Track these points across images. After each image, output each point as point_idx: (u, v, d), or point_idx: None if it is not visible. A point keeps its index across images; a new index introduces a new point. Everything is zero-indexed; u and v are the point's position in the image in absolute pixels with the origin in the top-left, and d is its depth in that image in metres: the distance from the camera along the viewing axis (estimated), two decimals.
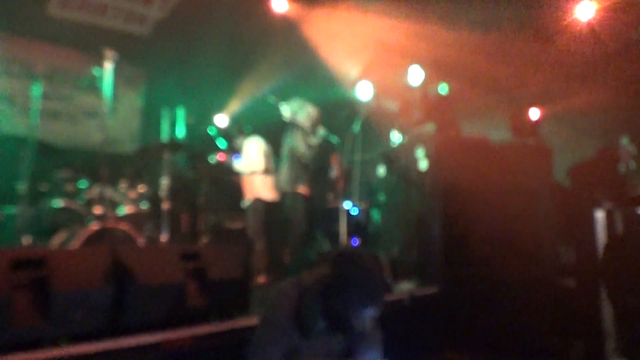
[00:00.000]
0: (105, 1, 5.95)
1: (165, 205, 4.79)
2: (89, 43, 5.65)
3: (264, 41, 6.47)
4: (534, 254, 4.63)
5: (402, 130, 5.98)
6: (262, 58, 6.54)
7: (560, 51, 6.14)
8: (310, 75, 6.54)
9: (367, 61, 6.54)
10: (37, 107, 4.61)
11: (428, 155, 5.19)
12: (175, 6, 6.21)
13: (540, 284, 4.54)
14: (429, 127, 5.48)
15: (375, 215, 6.54)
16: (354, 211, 6.27)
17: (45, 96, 5.04)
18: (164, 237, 4.70)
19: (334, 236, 5.75)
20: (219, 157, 5.78)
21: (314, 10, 6.13)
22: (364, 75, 6.55)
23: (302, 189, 5.16)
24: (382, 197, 6.36)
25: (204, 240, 5.51)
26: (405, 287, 4.64)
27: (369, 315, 2.05)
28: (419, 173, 5.26)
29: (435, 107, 5.61)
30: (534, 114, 6.96)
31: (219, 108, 6.53)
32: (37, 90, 4.69)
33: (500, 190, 4.63)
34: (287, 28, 6.20)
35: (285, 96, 5.37)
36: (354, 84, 6.49)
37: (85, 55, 5.85)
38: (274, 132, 5.50)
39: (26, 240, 4.21)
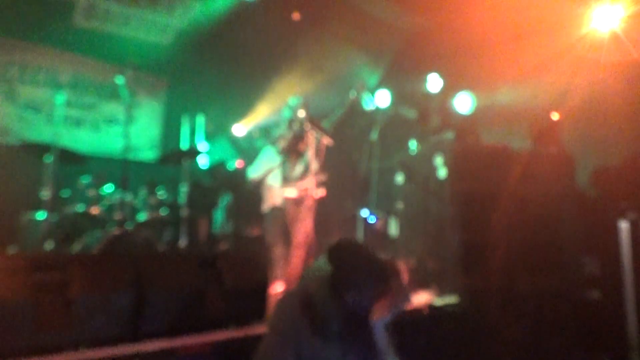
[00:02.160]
0: (129, 12, 6.07)
1: (184, 212, 4.83)
2: (112, 53, 5.79)
3: (284, 50, 6.51)
4: (556, 264, 4.53)
5: (421, 138, 5.93)
6: (283, 66, 6.58)
7: (579, 57, 6.04)
8: (328, 82, 6.55)
9: (386, 68, 6.52)
10: (61, 114, 4.71)
11: (447, 164, 5.13)
12: (196, 15, 6.29)
13: (564, 295, 4.43)
14: (448, 135, 5.42)
15: (393, 223, 6.48)
16: (372, 219, 6.23)
17: (68, 104, 5.16)
18: (182, 244, 4.73)
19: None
20: (237, 164, 5.81)
21: (332, 18, 6.15)
22: (382, 82, 6.53)
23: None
24: (400, 206, 6.30)
25: (223, 247, 5.53)
26: (423, 297, 4.58)
27: (383, 298, 2.01)
28: (438, 181, 5.20)
29: (455, 116, 5.56)
30: (555, 120, 6.83)
31: (238, 117, 6.58)
32: (61, 98, 4.80)
33: (521, 199, 4.55)
34: (307, 37, 6.23)
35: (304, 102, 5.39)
36: (372, 91, 6.48)
37: (108, 64, 5.97)
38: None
39: (48, 245, 4.28)
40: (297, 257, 4.57)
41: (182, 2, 6.21)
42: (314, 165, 4.69)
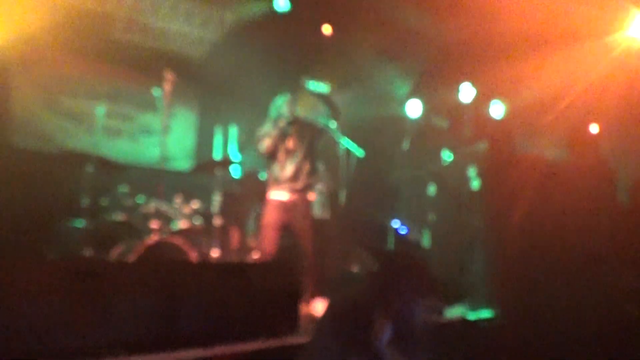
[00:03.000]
0: (166, 26, 6.24)
1: (217, 221, 4.89)
2: (150, 65, 5.95)
3: (315, 61, 6.55)
4: (596, 279, 4.36)
5: (453, 149, 5.85)
6: (314, 77, 6.61)
7: (617, 64, 5.86)
8: (361, 92, 6.55)
9: (417, 78, 6.48)
10: (100, 125, 4.86)
11: (480, 175, 5.04)
12: (230, 27, 6.41)
13: (604, 310, 4.26)
14: (481, 146, 5.33)
15: (425, 235, 6.40)
16: (403, 230, 6.17)
17: (107, 115, 5.33)
18: (215, 253, 4.79)
19: (380, 255, 5.66)
20: None
21: (363, 29, 6.16)
22: (414, 92, 6.49)
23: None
24: (432, 217, 6.22)
25: (254, 256, 5.56)
26: (457, 311, 4.49)
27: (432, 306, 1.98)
28: (471, 193, 5.12)
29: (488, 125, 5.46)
30: (594, 130, 6.63)
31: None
32: (101, 110, 4.96)
33: (558, 212, 4.42)
34: (338, 47, 6.26)
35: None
36: (403, 100, 6.45)
37: (146, 76, 6.14)
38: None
39: (87, 252, 4.41)
40: (310, 265, 4.31)
41: (217, 16, 6.35)
42: (306, 166, 4.31)
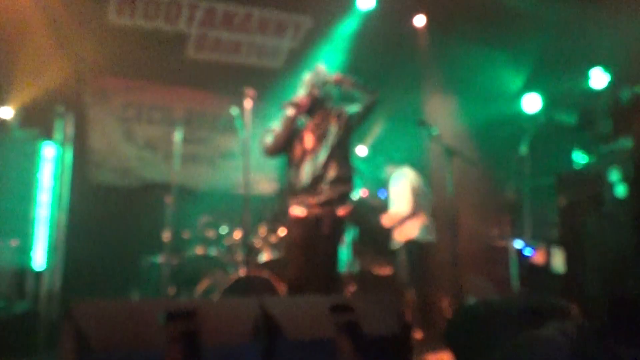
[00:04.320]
0: (238, 38, 6.46)
1: None
2: (225, 83, 6.17)
3: (402, 53, 6.43)
4: None
5: (587, 149, 5.41)
6: (402, 72, 6.49)
7: None
8: (462, 90, 6.32)
9: (534, 66, 6.15)
10: (178, 151, 5.09)
11: (627, 179, 4.60)
12: (307, 34, 6.49)
13: None
14: (624, 143, 4.88)
15: (557, 256, 5.95)
16: (528, 252, 5.81)
17: (184, 140, 5.57)
18: None
19: (502, 282, 5.34)
20: (361, 192, 5.76)
21: (462, 16, 5.96)
22: (530, 84, 6.16)
23: None
24: (563, 234, 5.78)
25: (349, 288, 5.46)
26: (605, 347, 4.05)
27: None
28: (616, 201, 4.68)
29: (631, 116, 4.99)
30: None
31: (359, 137, 6.59)
32: (178, 135, 5.19)
33: None
34: (435, 42, 6.12)
35: (434, 116, 5.23)
36: (517, 95, 6.15)
37: (223, 96, 6.37)
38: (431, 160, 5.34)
39: (171, 289, 4.55)
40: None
41: (293, 22, 6.46)
42: (332, 171, 3.47)
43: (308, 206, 3.46)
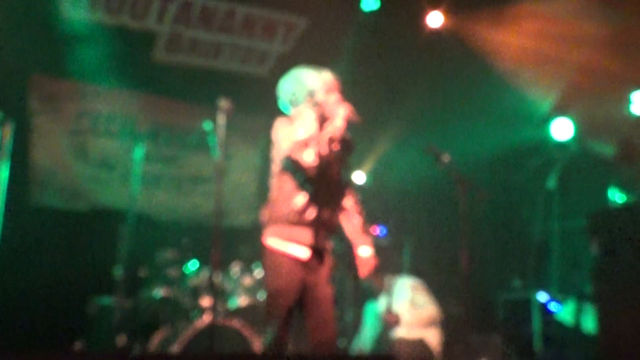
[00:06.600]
0: (219, 39, 6.53)
1: None
2: (199, 92, 6.21)
3: (411, 70, 6.54)
4: None
5: (627, 185, 5.51)
6: (410, 91, 6.59)
7: None
8: (480, 111, 6.42)
9: (565, 87, 6.26)
10: (138, 172, 5.09)
11: None
12: (300, 37, 6.57)
13: None
14: None
15: (588, 313, 6.00)
16: (554, 307, 5.87)
17: (147, 158, 5.57)
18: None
19: (521, 342, 5.37)
20: (371, 230, 5.84)
21: (480, 22, 6.09)
22: (561, 107, 6.27)
23: None
24: (597, 287, 5.83)
25: (339, 343, 5.44)
26: None
27: None
28: None
29: None
30: None
31: (357, 161, 6.65)
32: (139, 152, 5.20)
33: None
34: (443, 51, 6.23)
35: (446, 142, 5.29)
36: (546, 120, 6.26)
37: (195, 107, 6.41)
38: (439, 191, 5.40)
39: (120, 340, 4.51)
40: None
41: (284, 23, 6.54)
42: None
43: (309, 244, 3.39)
